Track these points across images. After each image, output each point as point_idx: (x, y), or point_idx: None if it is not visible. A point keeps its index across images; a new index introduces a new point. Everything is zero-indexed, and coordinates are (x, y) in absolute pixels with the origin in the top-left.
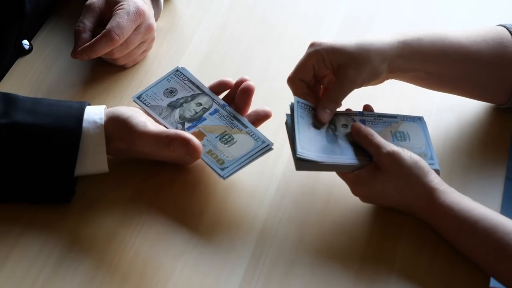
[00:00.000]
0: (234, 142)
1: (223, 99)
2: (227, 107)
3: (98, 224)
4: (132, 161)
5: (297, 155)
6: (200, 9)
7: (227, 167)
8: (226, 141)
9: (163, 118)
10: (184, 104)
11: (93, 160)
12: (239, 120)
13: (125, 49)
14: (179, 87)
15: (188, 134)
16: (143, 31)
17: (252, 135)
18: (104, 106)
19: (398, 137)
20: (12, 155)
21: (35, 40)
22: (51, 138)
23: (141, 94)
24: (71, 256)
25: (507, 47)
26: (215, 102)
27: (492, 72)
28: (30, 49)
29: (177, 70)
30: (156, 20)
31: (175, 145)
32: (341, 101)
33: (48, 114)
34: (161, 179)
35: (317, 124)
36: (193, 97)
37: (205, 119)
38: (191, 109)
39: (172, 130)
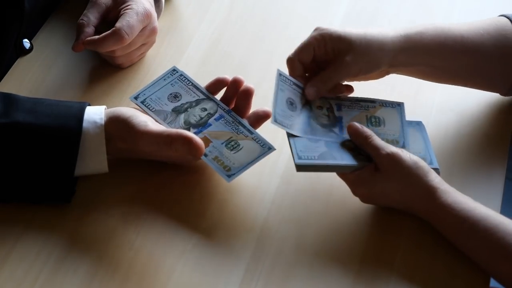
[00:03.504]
0: (240, 149)
1: (220, 99)
2: (232, 113)
3: (98, 224)
4: (132, 161)
5: (296, 164)
6: (200, 9)
7: (234, 174)
8: (232, 147)
9: (168, 123)
10: (189, 109)
11: (93, 160)
12: (244, 126)
13: (127, 49)
14: (183, 92)
15: (189, 133)
16: (147, 33)
17: (258, 141)
18: (104, 107)
19: (373, 122)
20: (12, 155)
21: (36, 40)
22: (51, 138)
23: (138, 94)
24: (71, 256)
25: (508, 38)
26: (220, 108)
27: (496, 63)
28: (31, 49)
29: (176, 72)
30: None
31: (177, 144)
32: (332, 84)
33: (48, 114)
34: (161, 179)
35: (296, 100)
36: (197, 102)
37: (210, 124)
38: (196, 114)
39: (173, 130)
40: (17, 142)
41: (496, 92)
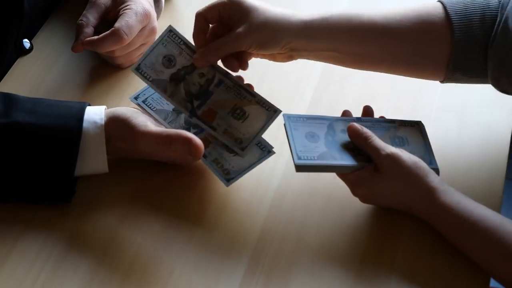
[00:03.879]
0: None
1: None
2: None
3: (98, 224)
4: (132, 161)
5: (295, 164)
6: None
7: (232, 178)
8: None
9: (168, 123)
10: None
11: (93, 160)
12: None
13: (127, 49)
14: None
15: (189, 133)
16: (146, 33)
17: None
18: (104, 107)
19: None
20: (12, 155)
21: (36, 40)
22: (51, 138)
23: (138, 95)
24: (71, 255)
25: (434, 23)
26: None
27: (416, 49)
28: (31, 49)
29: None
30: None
31: (177, 144)
32: (221, 54)
33: (48, 114)
34: (161, 179)
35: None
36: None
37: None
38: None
39: (173, 130)
40: (17, 142)
41: (430, 79)
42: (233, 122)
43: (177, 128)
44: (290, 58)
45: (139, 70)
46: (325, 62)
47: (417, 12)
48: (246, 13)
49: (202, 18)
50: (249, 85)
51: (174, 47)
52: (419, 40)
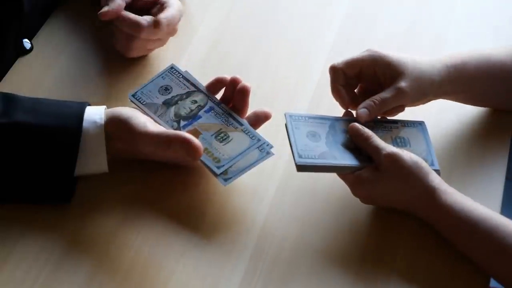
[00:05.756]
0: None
1: (220, 99)
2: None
3: (98, 224)
4: (132, 162)
5: (296, 164)
6: (200, 9)
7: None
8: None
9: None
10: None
11: (93, 160)
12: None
13: (153, 34)
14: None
15: (188, 135)
16: (168, 31)
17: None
18: (104, 107)
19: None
20: (12, 155)
21: (36, 40)
22: (51, 138)
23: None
24: (71, 256)
25: None
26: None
27: None
28: (31, 48)
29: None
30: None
31: (176, 145)
32: (386, 109)
33: (48, 114)
34: (161, 179)
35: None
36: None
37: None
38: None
39: (172, 131)
40: (17, 142)
41: None
42: (214, 143)
43: (167, 121)
44: (428, 101)
45: (135, 97)
46: (450, 100)
47: None
48: (401, 68)
49: (340, 72)
50: (245, 87)
51: (172, 80)
52: None
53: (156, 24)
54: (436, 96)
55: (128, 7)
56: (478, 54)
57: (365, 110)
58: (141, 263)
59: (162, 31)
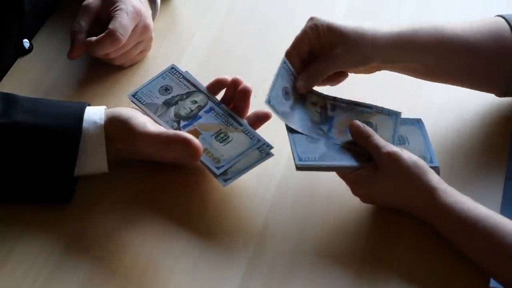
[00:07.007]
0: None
1: (221, 100)
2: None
3: (98, 224)
4: (132, 162)
5: (296, 165)
6: (200, 9)
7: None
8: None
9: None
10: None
11: (93, 160)
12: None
13: (122, 50)
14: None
15: (188, 135)
16: (139, 31)
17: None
18: (104, 107)
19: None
20: (12, 155)
21: (36, 40)
22: (51, 138)
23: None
24: (71, 256)
25: (506, 38)
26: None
27: (491, 63)
28: (31, 49)
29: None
30: (153, 19)
31: (176, 145)
32: (321, 78)
33: (48, 114)
34: (161, 179)
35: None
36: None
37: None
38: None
39: (172, 131)
40: (17, 142)
41: (492, 92)
42: (214, 144)
43: (167, 121)
44: (376, 69)
45: (135, 97)
46: (404, 73)
47: (489, 26)
48: (340, 34)
49: (294, 57)
50: (247, 88)
51: (173, 80)
52: (495, 56)
53: (110, 36)
54: (383, 63)
55: (94, 25)
56: (430, 24)
57: (302, 81)
58: (141, 263)
59: (124, 38)
